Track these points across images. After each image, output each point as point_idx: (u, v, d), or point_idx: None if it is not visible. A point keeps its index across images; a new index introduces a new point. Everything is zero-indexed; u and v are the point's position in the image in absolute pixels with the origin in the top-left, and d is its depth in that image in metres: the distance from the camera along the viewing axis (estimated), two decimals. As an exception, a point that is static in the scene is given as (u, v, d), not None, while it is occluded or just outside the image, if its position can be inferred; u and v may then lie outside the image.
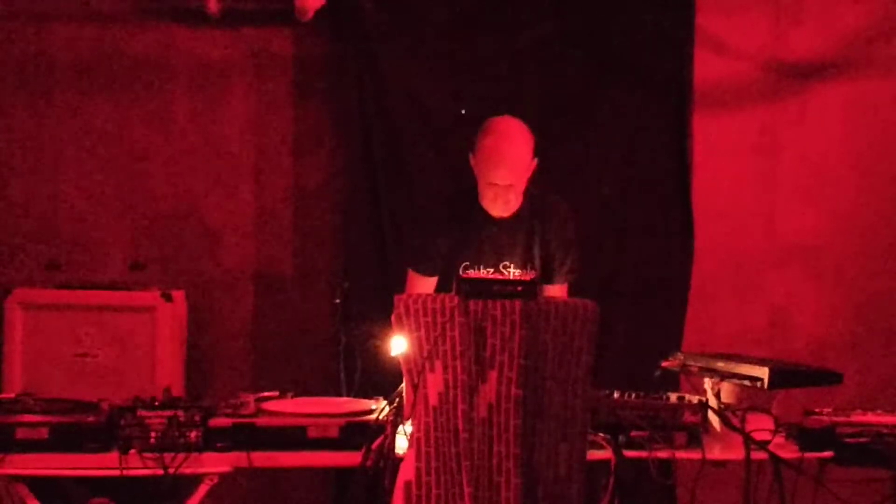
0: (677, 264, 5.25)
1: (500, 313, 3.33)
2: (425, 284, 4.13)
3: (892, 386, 5.32)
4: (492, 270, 4.13)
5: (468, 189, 4.14)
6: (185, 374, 5.01)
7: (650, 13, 5.24)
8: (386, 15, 5.17)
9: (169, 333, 4.86)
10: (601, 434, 3.50)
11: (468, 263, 4.13)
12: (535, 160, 4.08)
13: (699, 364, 3.87)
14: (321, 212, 5.38)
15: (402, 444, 3.44)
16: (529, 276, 4.13)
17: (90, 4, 5.32)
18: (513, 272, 4.15)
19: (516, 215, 4.13)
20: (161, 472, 3.40)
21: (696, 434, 3.61)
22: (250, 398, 3.63)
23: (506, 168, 4.00)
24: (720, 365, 3.78)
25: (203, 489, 3.48)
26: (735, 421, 3.60)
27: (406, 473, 3.34)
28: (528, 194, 4.12)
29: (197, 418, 3.48)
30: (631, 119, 5.26)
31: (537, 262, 4.18)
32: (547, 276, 4.18)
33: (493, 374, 3.32)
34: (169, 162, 5.37)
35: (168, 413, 3.47)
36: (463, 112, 5.09)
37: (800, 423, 3.71)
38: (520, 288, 3.38)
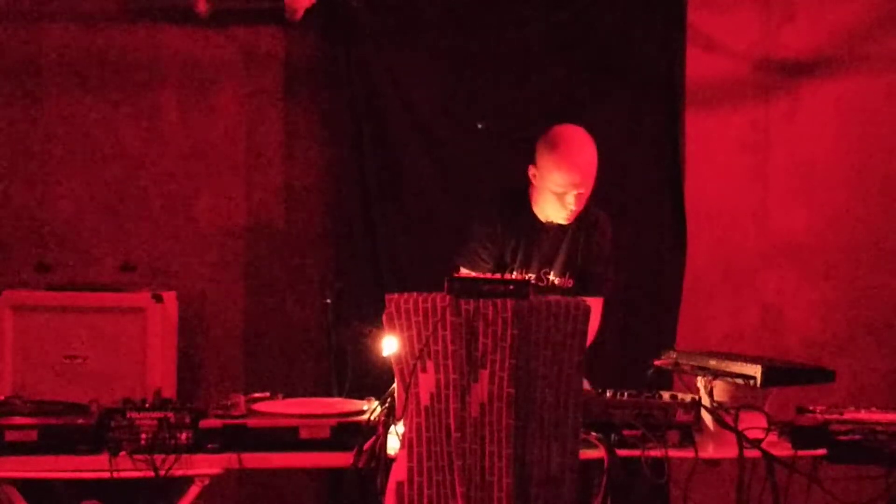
0: (670, 262, 5.25)
1: (492, 312, 3.32)
2: None
3: (884, 383, 5.33)
4: (533, 276, 4.14)
5: (517, 192, 4.18)
6: (177, 376, 4.99)
7: (641, 11, 5.24)
8: (376, 15, 5.17)
9: (160, 335, 4.84)
10: (594, 433, 3.49)
11: (513, 266, 4.16)
12: None
13: (692, 362, 3.86)
14: (312, 212, 5.37)
15: (393, 445, 3.42)
16: (567, 283, 4.19)
17: (79, 6, 5.30)
18: (553, 279, 4.18)
19: (562, 224, 4.16)
20: (152, 473, 3.38)
21: (689, 432, 3.59)
22: (241, 399, 3.62)
23: (581, 174, 4.04)
24: (713, 363, 3.77)
25: (194, 491, 3.46)
26: (728, 419, 3.59)
27: (398, 474, 3.33)
28: None
29: (187, 420, 3.45)
30: (623, 118, 5.26)
31: (576, 272, 4.21)
32: (583, 287, 4.20)
33: (485, 374, 3.31)
34: (159, 162, 5.36)
35: (158, 414, 3.45)
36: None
37: (793, 420, 3.70)
38: (511, 287, 3.36)
